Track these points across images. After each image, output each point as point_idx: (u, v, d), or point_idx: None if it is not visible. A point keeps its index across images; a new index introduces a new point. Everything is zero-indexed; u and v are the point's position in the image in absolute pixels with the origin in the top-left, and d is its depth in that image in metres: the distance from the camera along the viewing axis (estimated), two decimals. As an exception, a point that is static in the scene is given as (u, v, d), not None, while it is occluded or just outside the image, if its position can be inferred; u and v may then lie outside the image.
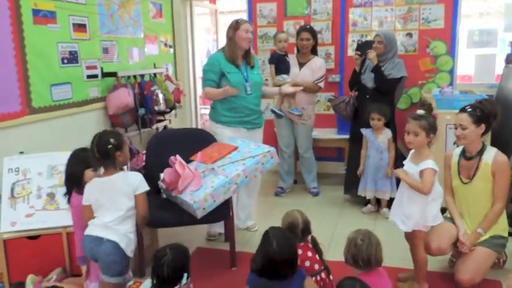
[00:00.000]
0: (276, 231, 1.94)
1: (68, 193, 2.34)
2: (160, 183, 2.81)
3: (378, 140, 3.69)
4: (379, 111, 3.62)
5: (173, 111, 4.38)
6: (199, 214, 2.55)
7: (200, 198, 2.54)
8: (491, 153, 2.52)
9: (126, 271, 2.19)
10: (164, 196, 2.87)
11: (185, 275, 1.84)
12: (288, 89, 3.37)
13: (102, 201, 2.16)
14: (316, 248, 2.22)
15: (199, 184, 2.64)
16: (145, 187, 2.21)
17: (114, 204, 2.15)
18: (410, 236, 2.48)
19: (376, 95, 3.76)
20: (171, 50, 4.79)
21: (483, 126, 2.48)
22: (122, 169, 2.30)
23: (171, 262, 1.84)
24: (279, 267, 1.82)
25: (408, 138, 2.39)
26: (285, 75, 3.99)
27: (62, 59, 3.18)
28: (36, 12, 2.95)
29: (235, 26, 3.17)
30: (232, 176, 2.65)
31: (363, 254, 1.94)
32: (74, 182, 2.30)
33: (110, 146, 2.14)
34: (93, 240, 2.13)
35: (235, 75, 3.17)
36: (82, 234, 2.22)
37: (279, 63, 4.00)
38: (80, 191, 2.26)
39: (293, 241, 1.95)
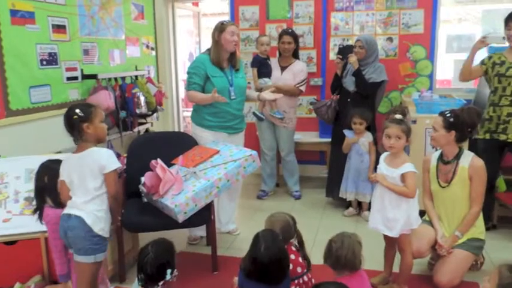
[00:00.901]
0: (266, 233, 1.95)
1: (39, 208, 2.28)
2: (141, 187, 2.79)
3: (358, 142, 3.74)
4: (361, 115, 3.66)
5: (155, 114, 4.34)
6: (181, 218, 2.54)
7: (181, 202, 2.53)
8: (468, 158, 2.57)
9: (96, 251, 2.12)
10: (145, 200, 2.85)
11: (168, 270, 1.84)
12: (266, 95, 3.33)
13: (73, 179, 2.13)
14: (301, 246, 2.23)
15: (180, 188, 2.63)
16: (113, 165, 2.11)
17: (83, 182, 2.11)
18: (398, 241, 2.49)
19: (357, 99, 3.80)
20: (153, 52, 4.76)
21: (453, 133, 2.52)
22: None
23: (154, 260, 1.84)
24: (268, 270, 1.82)
25: (390, 143, 2.41)
26: (266, 79, 4.01)
27: (41, 61, 3.13)
28: (14, 12, 2.90)
29: (220, 27, 3.13)
30: (214, 179, 2.64)
31: (338, 256, 1.96)
32: (46, 195, 2.25)
33: (75, 117, 2.09)
34: (63, 217, 2.13)
35: (220, 79, 3.15)
36: (60, 253, 2.20)
37: (261, 67, 4.02)
38: (55, 204, 2.21)
39: (283, 244, 1.95)
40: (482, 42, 3.22)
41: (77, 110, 2.09)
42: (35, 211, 2.30)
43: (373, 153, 3.75)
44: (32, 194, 2.65)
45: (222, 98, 3.03)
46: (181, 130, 5.37)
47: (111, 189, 2.13)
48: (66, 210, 2.14)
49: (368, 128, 3.76)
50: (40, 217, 2.29)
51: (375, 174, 2.51)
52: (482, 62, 3.31)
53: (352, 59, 3.74)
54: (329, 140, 4.27)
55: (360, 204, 3.88)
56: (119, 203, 2.24)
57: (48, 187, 2.25)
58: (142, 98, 3.93)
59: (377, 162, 3.59)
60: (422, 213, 2.61)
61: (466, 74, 3.35)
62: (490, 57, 3.28)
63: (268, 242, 1.87)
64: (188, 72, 3.25)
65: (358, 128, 3.70)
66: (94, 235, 2.11)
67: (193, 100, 3.31)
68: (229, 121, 3.22)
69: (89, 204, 2.11)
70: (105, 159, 2.10)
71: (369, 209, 3.68)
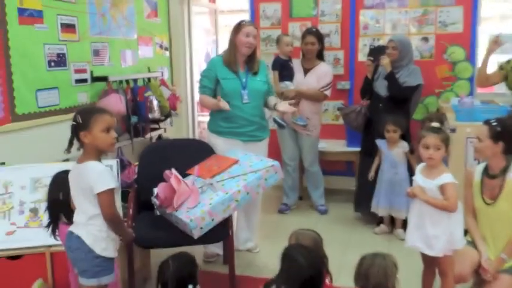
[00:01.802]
0: (297, 247, 1.92)
1: (53, 224, 2.29)
2: (154, 199, 2.79)
3: (392, 152, 3.69)
4: (395, 122, 3.62)
5: (168, 119, 4.38)
6: (196, 234, 2.53)
7: (197, 216, 2.53)
8: (517, 172, 2.51)
9: (100, 273, 2.08)
10: (157, 213, 2.85)
11: (190, 286, 1.83)
12: (282, 107, 3.29)
13: (73, 193, 2.11)
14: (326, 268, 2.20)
15: (196, 201, 2.63)
16: (103, 186, 1.99)
17: (79, 200, 2.08)
18: (438, 263, 2.46)
19: (390, 105, 3.77)
20: (167, 53, 4.80)
21: (501, 144, 2.47)
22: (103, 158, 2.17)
23: (174, 274, 1.83)
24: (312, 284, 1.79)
25: (428, 153, 2.40)
26: (288, 82, 4.01)
27: (49, 62, 3.19)
28: (22, 11, 2.96)
29: (236, 27, 3.19)
30: (233, 192, 2.64)
31: (367, 276, 1.92)
32: (59, 210, 2.26)
33: (73, 123, 2.05)
34: (67, 235, 2.11)
35: (230, 82, 3.18)
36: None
37: (283, 69, 4.03)
38: (69, 221, 2.20)
39: (319, 255, 1.94)
40: (496, 42, 3.16)
41: (77, 115, 2.06)
42: (48, 226, 2.31)
43: (414, 162, 3.66)
44: (38, 205, 2.69)
45: (224, 106, 3.05)
46: (197, 136, 5.40)
47: (104, 213, 2.03)
48: (70, 227, 2.13)
49: (403, 137, 3.71)
50: (54, 233, 2.29)
51: (411, 188, 2.50)
52: (501, 67, 3.26)
53: (385, 61, 3.72)
54: (358, 149, 4.24)
55: (392, 220, 3.82)
56: (118, 226, 2.11)
57: (61, 202, 2.24)
58: (155, 102, 3.97)
59: (411, 173, 3.62)
60: (465, 232, 2.54)
61: (482, 80, 3.32)
62: (508, 61, 3.22)
63: (305, 254, 1.84)
64: (200, 75, 3.31)
65: (391, 137, 3.65)
66: (96, 256, 2.06)
67: (203, 104, 3.38)
68: (242, 127, 3.22)
69: (89, 223, 2.07)
70: (93, 179, 2.00)
71: (403, 226, 3.63)
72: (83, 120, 2.05)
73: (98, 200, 2.02)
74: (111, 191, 2.02)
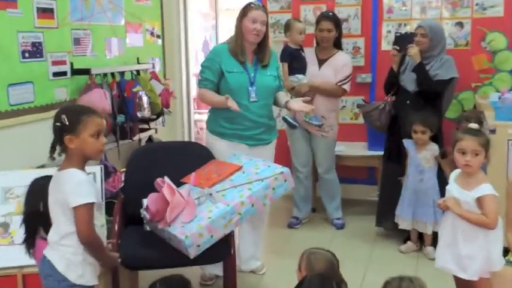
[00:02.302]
0: (316, 280, 1.91)
1: (29, 239, 2.27)
2: (143, 212, 2.80)
3: (419, 156, 3.69)
4: (424, 122, 3.62)
5: (160, 118, 4.38)
6: (193, 253, 2.53)
7: (194, 232, 2.52)
8: None
9: None
10: (147, 228, 2.86)
11: None
12: (295, 104, 3.27)
13: (50, 206, 2.09)
14: None
15: (192, 214, 2.62)
16: (78, 199, 1.97)
17: (54, 213, 2.07)
18: (474, 287, 2.44)
19: (419, 101, 3.75)
20: (159, 41, 4.81)
21: None
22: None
23: None
24: None
25: (465, 159, 2.40)
26: (300, 75, 4.01)
27: (23, 52, 3.19)
28: (-8, -6, 2.98)
29: (242, 11, 3.18)
30: (235, 204, 2.63)
31: None
32: (38, 223, 2.24)
33: (57, 124, 2.03)
34: (42, 258, 2.09)
35: (236, 76, 3.17)
36: None
37: (293, 60, 4.01)
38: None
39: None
40: None
41: (63, 116, 2.03)
42: (23, 242, 2.28)
43: (447, 168, 3.62)
44: (9, 219, 2.70)
45: (236, 108, 3.04)
46: (193, 138, 5.41)
47: (79, 232, 1.99)
48: (45, 250, 2.10)
49: (434, 139, 3.69)
50: (29, 250, 2.28)
51: (443, 199, 2.49)
52: None
53: (413, 50, 3.70)
54: (381, 153, 4.22)
55: (421, 237, 3.80)
56: (96, 250, 2.06)
57: (41, 214, 2.20)
58: (145, 99, 3.97)
59: (442, 180, 3.60)
60: (505, 251, 2.56)
61: None
62: None
63: None
64: (201, 66, 3.29)
65: (420, 138, 3.65)
66: (70, 285, 2.03)
67: (204, 101, 3.35)
68: (249, 129, 3.22)
69: (62, 244, 2.04)
70: (69, 190, 1.98)
71: (433, 243, 3.61)
72: (70, 121, 2.02)
73: (73, 216, 2.00)
74: (89, 207, 2.00)
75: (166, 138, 4.65)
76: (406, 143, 3.75)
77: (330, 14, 4.15)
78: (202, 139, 6.30)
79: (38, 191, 2.26)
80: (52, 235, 2.08)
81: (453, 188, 2.47)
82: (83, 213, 1.98)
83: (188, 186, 2.83)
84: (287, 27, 4.17)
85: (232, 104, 3.05)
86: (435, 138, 3.72)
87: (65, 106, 2.17)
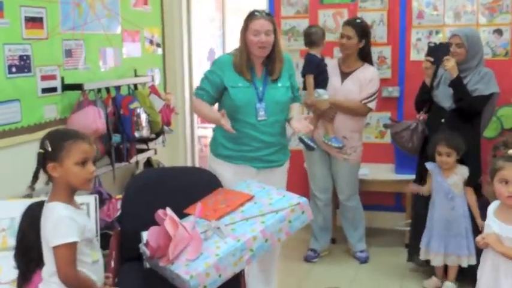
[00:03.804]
0: None
1: (23, 276, 2.30)
2: (143, 248, 2.81)
3: (448, 181, 3.69)
4: (449, 142, 3.63)
5: (160, 138, 4.41)
6: (198, 294, 2.53)
7: (199, 271, 2.52)
8: None
9: None
10: (147, 266, 2.85)
11: None
12: (297, 123, 3.21)
13: (41, 239, 2.14)
14: None
15: (198, 251, 2.62)
16: (60, 237, 2.02)
17: (43, 249, 2.12)
18: None
19: (455, 119, 3.79)
20: (159, 50, 4.86)
21: None
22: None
23: None
24: None
25: (508, 191, 2.42)
26: (321, 90, 4.03)
27: (9, 67, 3.24)
28: (-24, 3, 3.04)
29: (245, 22, 3.17)
30: (246, 239, 2.63)
31: None
32: (31, 258, 2.27)
33: (40, 151, 2.08)
34: None
35: (242, 91, 3.18)
36: None
37: (318, 73, 4.04)
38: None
39: None
40: None
41: (47, 141, 2.09)
42: (19, 279, 2.30)
43: (470, 195, 3.71)
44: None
45: (229, 128, 3.04)
46: (196, 158, 5.42)
47: (58, 272, 2.05)
48: (40, 285, 2.16)
49: (465, 160, 3.71)
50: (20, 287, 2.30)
51: (483, 236, 2.50)
52: None
53: (450, 63, 3.70)
54: (410, 176, 4.24)
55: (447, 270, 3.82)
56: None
57: (35, 247, 2.22)
58: (143, 116, 4.01)
59: (482, 209, 3.60)
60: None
61: None
62: None
63: None
64: (203, 74, 3.32)
65: (444, 162, 3.67)
66: None
67: (198, 113, 3.39)
68: (256, 150, 3.23)
69: (51, 282, 2.09)
70: (48, 228, 2.05)
71: (458, 276, 3.64)
72: (52, 147, 2.08)
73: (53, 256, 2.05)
74: (69, 247, 2.04)
75: (166, 159, 4.67)
76: (430, 166, 3.75)
77: (357, 20, 4.14)
78: (206, 157, 6.29)
79: (30, 220, 2.29)
80: (44, 271, 2.14)
81: (493, 222, 2.47)
82: (62, 254, 2.03)
83: (193, 219, 2.82)
84: (315, 38, 4.11)
85: (225, 123, 3.04)
86: (471, 161, 3.73)
87: (52, 130, 2.20)
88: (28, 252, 2.28)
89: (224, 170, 3.26)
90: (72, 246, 2.04)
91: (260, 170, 3.27)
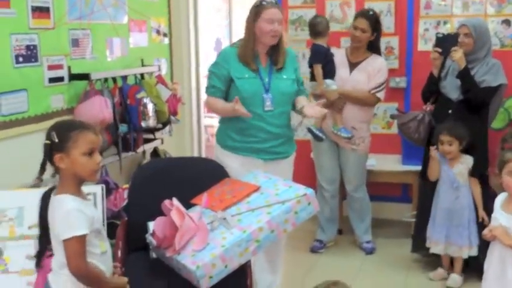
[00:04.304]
0: None
1: (39, 255, 2.30)
2: (150, 238, 2.82)
3: (454, 170, 3.70)
4: (451, 131, 3.64)
5: (167, 127, 4.41)
6: (204, 285, 2.53)
7: (206, 262, 2.53)
8: None
9: None
10: (154, 256, 2.87)
11: None
12: (310, 111, 3.23)
13: (50, 230, 2.15)
14: None
15: (204, 241, 2.64)
16: (70, 231, 2.02)
17: (52, 239, 2.13)
18: None
19: (462, 110, 3.78)
20: (166, 40, 4.85)
21: None
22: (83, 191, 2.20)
23: None
24: None
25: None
26: (329, 81, 4.02)
27: (16, 57, 3.24)
28: (-17, -7, 3.04)
29: (255, 11, 3.18)
30: (252, 230, 2.63)
31: None
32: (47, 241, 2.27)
33: (46, 142, 2.08)
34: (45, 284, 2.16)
35: (248, 82, 3.20)
36: None
37: (325, 63, 4.03)
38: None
39: None
40: None
41: (53, 132, 2.09)
42: (36, 256, 2.31)
43: (475, 185, 3.71)
44: (2, 245, 2.74)
45: (244, 112, 3.05)
46: (203, 148, 5.43)
47: (69, 265, 2.05)
48: (49, 274, 2.18)
49: (472, 150, 3.71)
50: (37, 266, 2.33)
51: (489, 229, 2.50)
52: None
53: (458, 54, 3.69)
54: (417, 167, 4.24)
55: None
56: (92, 283, 2.11)
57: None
58: (150, 106, 4.00)
59: (488, 200, 3.59)
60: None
61: None
62: None
63: None
64: (208, 71, 3.34)
65: (446, 150, 3.67)
66: None
67: (213, 110, 3.40)
68: (263, 141, 3.24)
69: (62, 273, 2.11)
70: (58, 221, 2.06)
71: (467, 270, 3.67)
72: (59, 138, 2.08)
73: (63, 248, 2.05)
74: (79, 239, 2.04)
75: (173, 149, 4.68)
76: (438, 155, 3.75)
77: (370, 12, 4.10)
78: (213, 146, 6.30)
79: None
80: (53, 262, 2.15)
81: (500, 215, 2.48)
82: (72, 247, 2.03)
83: (199, 209, 2.83)
84: (320, 28, 4.09)
85: (239, 108, 3.05)
86: (477, 151, 3.73)
87: (58, 121, 2.21)
88: (45, 236, 2.26)
89: (231, 162, 3.27)
90: (82, 239, 2.05)
91: (267, 162, 3.28)
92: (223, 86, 3.24)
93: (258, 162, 3.26)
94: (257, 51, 3.24)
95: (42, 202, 2.25)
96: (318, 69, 4.03)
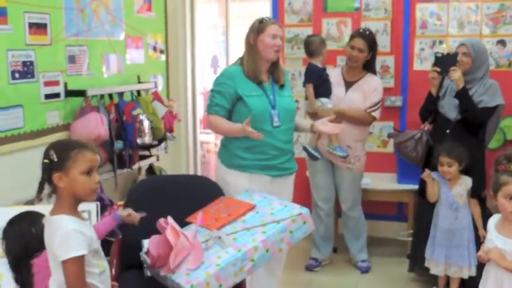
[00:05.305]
0: None
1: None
2: (144, 256, 2.81)
3: (453, 192, 3.70)
4: (450, 153, 3.63)
5: (163, 144, 4.41)
6: (199, 304, 2.53)
7: (200, 281, 2.52)
8: None
9: None
10: (148, 274, 2.85)
11: None
12: (323, 126, 3.32)
13: (47, 251, 2.13)
14: None
15: (199, 260, 2.62)
16: (68, 252, 2.00)
17: (50, 260, 2.11)
18: None
19: (460, 130, 3.79)
20: (162, 57, 4.87)
21: None
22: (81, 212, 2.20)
23: None
24: None
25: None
26: (324, 99, 4.03)
27: (13, 73, 3.25)
28: (-20, 9, 3.05)
29: (258, 28, 3.22)
30: (247, 249, 2.63)
31: None
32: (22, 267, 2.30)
33: (45, 161, 2.07)
34: None
35: (257, 99, 3.21)
36: None
37: (319, 82, 4.03)
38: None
39: None
40: None
41: (51, 151, 2.08)
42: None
43: (474, 206, 3.71)
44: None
45: (256, 134, 3.03)
46: (199, 165, 5.42)
47: (68, 286, 2.03)
48: None
49: (469, 171, 3.70)
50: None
51: (485, 251, 2.49)
52: None
53: (457, 74, 3.71)
54: (412, 186, 4.24)
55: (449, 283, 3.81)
56: None
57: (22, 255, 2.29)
58: (146, 123, 4.02)
59: (485, 220, 3.59)
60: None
61: None
62: None
63: None
64: (211, 90, 3.32)
65: (446, 172, 3.67)
66: None
67: (216, 130, 3.38)
68: (274, 158, 3.25)
69: None
70: (57, 243, 2.03)
71: None
72: (58, 157, 2.07)
73: (62, 270, 2.03)
74: (78, 260, 2.02)
75: (168, 166, 4.68)
76: (437, 175, 3.75)
77: (367, 32, 4.11)
78: (209, 163, 6.34)
79: (15, 233, 2.35)
80: (52, 282, 2.12)
81: (496, 238, 2.47)
82: (71, 268, 2.01)
83: (194, 227, 2.82)
84: (314, 47, 4.09)
85: (252, 131, 3.03)
86: (477, 173, 3.73)
87: (56, 140, 2.20)
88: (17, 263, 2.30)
89: (237, 180, 3.25)
90: (81, 260, 2.03)
91: (274, 179, 3.28)
92: (228, 104, 3.23)
93: (266, 179, 3.25)
94: (260, 68, 3.26)
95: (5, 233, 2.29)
96: (310, 89, 4.04)
